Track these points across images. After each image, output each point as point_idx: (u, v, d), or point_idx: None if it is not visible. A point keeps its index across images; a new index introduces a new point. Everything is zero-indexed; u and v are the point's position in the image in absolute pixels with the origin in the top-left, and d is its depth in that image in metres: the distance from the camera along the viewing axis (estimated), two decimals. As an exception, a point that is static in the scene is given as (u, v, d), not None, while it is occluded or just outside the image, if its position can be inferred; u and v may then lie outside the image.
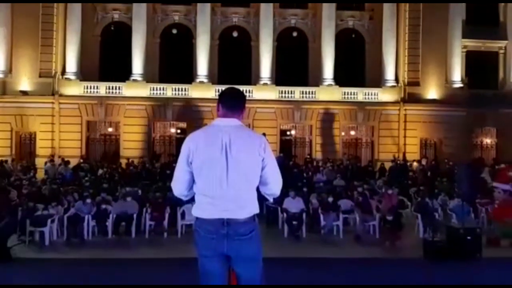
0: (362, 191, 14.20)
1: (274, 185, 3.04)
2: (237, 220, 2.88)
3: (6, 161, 19.35)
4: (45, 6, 21.72)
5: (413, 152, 22.98)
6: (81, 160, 20.08)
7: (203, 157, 2.88)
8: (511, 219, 10.36)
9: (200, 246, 2.97)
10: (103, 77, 22.95)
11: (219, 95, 3.12)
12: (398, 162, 21.01)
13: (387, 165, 20.12)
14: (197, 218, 2.99)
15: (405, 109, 23.23)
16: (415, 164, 20.91)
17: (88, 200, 11.95)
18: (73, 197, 13.04)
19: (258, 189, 3.05)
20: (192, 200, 3.09)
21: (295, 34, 24.54)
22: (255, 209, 2.98)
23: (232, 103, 3.03)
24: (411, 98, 23.20)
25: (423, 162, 21.24)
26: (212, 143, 2.88)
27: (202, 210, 2.94)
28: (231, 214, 2.87)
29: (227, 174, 2.85)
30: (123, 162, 20.01)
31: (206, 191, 2.90)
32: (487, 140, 24.57)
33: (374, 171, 20.27)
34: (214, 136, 2.91)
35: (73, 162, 19.30)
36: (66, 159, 19.49)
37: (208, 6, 23.22)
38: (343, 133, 23.59)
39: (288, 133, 23.66)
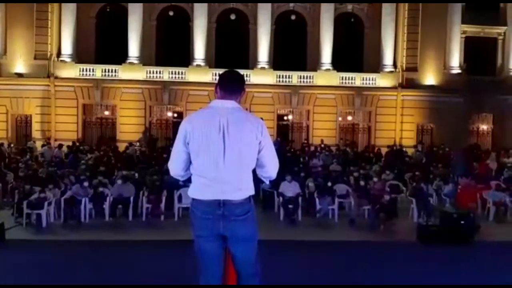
0: (358, 176, 14.33)
1: (271, 168, 3.05)
2: (233, 201, 2.90)
3: (2, 144, 19.26)
4: (39, -13, 21.34)
5: (409, 138, 23.08)
6: (77, 144, 20.01)
7: (200, 138, 2.87)
8: (474, 203, 10.57)
9: (196, 226, 2.99)
10: (99, 60, 22.72)
11: (219, 78, 3.10)
12: (395, 147, 21.12)
13: (384, 151, 20.21)
14: (193, 199, 3.00)
15: (403, 95, 23.21)
16: (411, 150, 21.03)
17: (85, 183, 11.96)
18: (70, 180, 13.06)
19: (254, 172, 3.06)
20: (188, 181, 3.09)
21: (293, 17, 24.27)
22: (251, 191, 2.99)
23: (232, 86, 3.02)
24: (409, 83, 23.15)
25: (419, 148, 21.37)
26: (209, 124, 2.88)
27: (198, 191, 2.95)
28: (227, 195, 2.88)
29: (224, 155, 2.85)
30: (121, 146, 19.96)
31: (202, 172, 2.91)
32: (484, 127, 24.65)
33: (370, 156, 20.33)
34: (212, 117, 2.90)
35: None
36: (62, 142, 19.44)
37: (205, -12, 22.86)
38: (340, 118, 23.59)
39: (285, 118, 23.64)
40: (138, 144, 20.69)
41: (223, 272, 3.09)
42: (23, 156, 17.61)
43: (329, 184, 12.93)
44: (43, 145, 19.46)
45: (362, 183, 12.74)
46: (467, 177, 12.16)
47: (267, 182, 3.22)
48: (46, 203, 10.85)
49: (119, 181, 12.26)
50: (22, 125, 22.17)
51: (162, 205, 11.86)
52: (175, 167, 3.04)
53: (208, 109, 2.99)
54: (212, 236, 2.95)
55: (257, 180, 3.11)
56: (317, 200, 12.11)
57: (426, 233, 9.44)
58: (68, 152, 18.35)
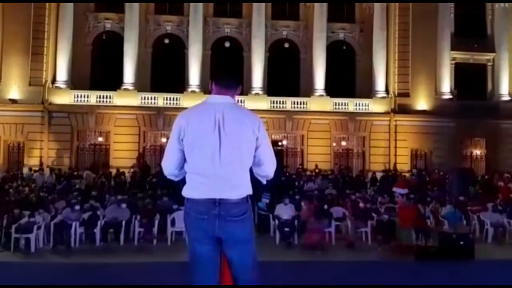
0: (354, 199, 14.19)
1: (268, 166, 2.95)
2: (229, 200, 2.78)
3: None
4: (36, 14, 21.68)
5: (403, 163, 23.11)
6: (69, 171, 19.76)
7: (195, 134, 2.78)
8: (415, 223, 10.47)
9: (190, 228, 2.86)
10: (94, 86, 22.85)
11: (214, 73, 3.07)
12: (390, 173, 21.12)
13: (379, 176, 20.17)
14: (187, 200, 2.87)
15: (396, 120, 23.43)
16: (406, 175, 21.02)
17: (77, 207, 11.70)
18: (61, 205, 12.77)
19: (251, 172, 2.97)
20: (183, 182, 2.97)
21: (286, 45, 24.80)
22: (248, 190, 2.87)
23: (227, 81, 2.96)
24: (401, 109, 23.43)
25: (414, 172, 21.38)
26: (204, 119, 2.79)
27: (193, 190, 2.83)
28: (223, 194, 2.77)
29: (219, 151, 2.75)
30: (113, 172, 19.75)
31: (197, 169, 2.80)
32: (477, 151, 24.81)
33: (365, 181, 20.28)
34: (207, 112, 2.82)
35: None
36: (54, 168, 19.22)
37: (200, 16, 23.40)
38: (334, 144, 23.65)
39: (279, 143, 23.65)
40: (131, 170, 20.47)
41: (219, 279, 2.93)
42: (13, 182, 17.32)
43: (325, 207, 12.77)
44: (35, 171, 19.18)
45: (361, 205, 12.60)
46: (464, 197, 12.06)
47: (264, 182, 3.09)
48: (35, 227, 10.54)
49: (114, 204, 12.01)
50: (14, 151, 21.92)
51: (155, 229, 11.58)
52: (169, 166, 2.92)
53: (204, 104, 2.92)
54: (207, 238, 2.81)
55: (254, 182, 3.01)
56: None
57: (425, 254, 9.26)
58: (60, 177, 18.09)
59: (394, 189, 11.45)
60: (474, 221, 12.77)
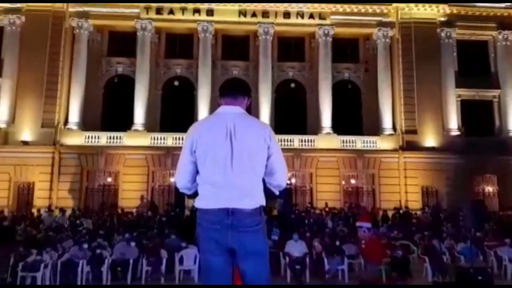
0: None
1: (280, 175, 2.94)
2: (242, 210, 2.75)
3: (2, 211, 18.97)
4: (51, 59, 22.55)
5: (414, 200, 22.72)
6: (78, 212, 19.69)
7: (207, 144, 2.80)
8: (386, 258, 10.11)
9: (202, 240, 2.81)
10: (105, 127, 23.29)
11: (219, 89, 3.14)
12: (401, 210, 20.74)
13: (390, 214, 19.81)
14: (199, 210, 2.85)
15: (404, 157, 23.30)
16: (418, 213, 20.65)
17: (84, 245, 11.58)
18: (68, 244, 12.65)
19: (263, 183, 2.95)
20: (196, 196, 2.96)
21: (293, 85, 25.30)
22: (261, 201, 2.85)
23: (231, 91, 2.99)
24: (410, 146, 23.37)
25: (427, 210, 21.01)
26: (215, 129, 2.82)
27: (205, 200, 2.82)
28: (236, 203, 2.75)
29: (231, 160, 2.76)
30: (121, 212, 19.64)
31: (209, 179, 2.80)
32: (489, 188, 24.35)
33: (377, 219, 19.87)
34: (218, 122, 2.86)
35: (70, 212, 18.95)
36: (63, 208, 19.17)
37: (209, 59, 24.15)
38: (343, 182, 23.44)
39: (288, 181, 23.47)
40: (139, 209, 20.35)
41: (231, 293, 2.85)
42: (22, 223, 17.26)
43: (337, 243, 12.48)
44: (44, 212, 19.15)
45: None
46: (480, 230, 11.73)
47: (277, 193, 3.05)
48: (42, 266, 10.41)
49: (122, 242, 11.88)
50: (24, 193, 22.00)
51: (163, 267, 11.37)
52: (181, 179, 2.92)
53: (215, 115, 2.96)
54: (219, 249, 2.75)
55: (266, 194, 2.96)
56: (325, 260, 11.61)
57: (443, 290, 8.90)
58: (69, 218, 18.03)
59: (358, 223, 11.10)
60: (491, 257, 12.36)
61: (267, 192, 2.95)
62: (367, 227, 10.95)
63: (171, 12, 24.13)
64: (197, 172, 2.88)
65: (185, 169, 2.89)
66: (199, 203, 2.86)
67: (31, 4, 23.02)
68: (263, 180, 2.92)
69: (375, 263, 9.94)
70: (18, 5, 23.09)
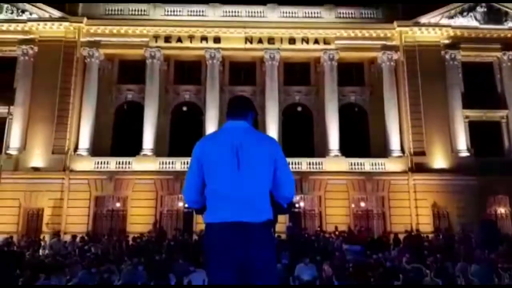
0: (377, 259, 13.62)
1: (288, 187, 2.95)
2: (252, 224, 2.75)
3: (11, 237, 19.01)
4: (63, 87, 23.12)
5: (426, 223, 22.33)
6: (86, 237, 19.66)
7: (214, 157, 2.84)
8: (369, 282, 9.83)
9: (210, 254, 2.80)
10: (114, 152, 23.53)
11: (226, 106, 3.21)
12: (413, 233, 20.36)
13: (401, 237, 19.47)
14: (208, 225, 2.85)
15: (414, 179, 23.08)
16: (430, 235, 20.27)
17: (93, 270, 11.53)
18: (77, 268, 12.59)
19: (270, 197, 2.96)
20: (204, 210, 2.98)
21: (299, 109, 25.51)
22: (269, 214, 2.85)
23: (234, 108, 3.06)
24: (419, 167, 23.18)
25: (439, 232, 20.62)
26: (222, 144, 2.87)
27: (213, 214, 2.83)
28: (243, 216, 2.75)
29: (238, 174, 2.79)
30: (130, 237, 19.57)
31: (217, 193, 2.82)
32: (501, 209, 23.91)
33: (388, 242, 19.55)
34: (224, 137, 2.91)
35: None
36: (71, 234, 19.16)
37: (217, 85, 24.56)
38: (353, 205, 23.20)
39: (296, 205, 23.33)
40: (147, 234, 20.25)
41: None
42: (30, 249, 17.27)
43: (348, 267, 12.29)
44: (52, 238, 19.17)
45: (388, 263, 12.08)
46: (493, 250, 11.48)
47: (285, 206, 3.04)
48: (50, 290, 10.34)
49: (130, 267, 11.81)
50: (34, 219, 22.09)
51: (171, 292, 11.21)
52: (188, 192, 2.95)
53: (221, 130, 3.03)
54: (227, 264, 2.73)
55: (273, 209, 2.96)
56: (335, 283, 11.38)
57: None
58: (78, 243, 18.01)
59: (346, 246, 10.79)
60: (506, 279, 12.03)
61: (275, 206, 2.96)
62: (355, 250, 10.68)
63: (179, 40, 24.77)
64: (204, 186, 2.91)
65: (193, 183, 2.93)
66: (207, 217, 2.87)
67: (44, 35, 23.82)
68: (271, 195, 2.92)
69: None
70: (32, 36, 23.90)
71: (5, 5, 24.20)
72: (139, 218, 22.05)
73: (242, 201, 2.78)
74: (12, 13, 24.20)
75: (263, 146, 2.90)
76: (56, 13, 24.12)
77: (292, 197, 3.02)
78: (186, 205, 22.79)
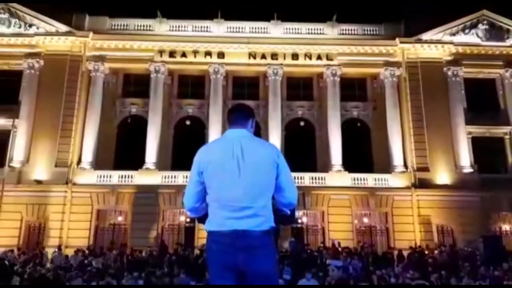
0: (381, 275, 13.46)
1: (290, 192, 2.93)
2: (252, 232, 2.74)
3: (12, 251, 18.89)
4: (67, 100, 23.33)
5: (429, 240, 22.09)
6: (87, 251, 19.52)
7: (214, 166, 2.83)
8: None
9: (211, 262, 2.79)
10: (117, 166, 23.57)
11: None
12: (417, 249, 20.13)
13: (405, 253, 19.24)
14: (209, 233, 2.84)
15: (417, 195, 22.94)
16: (434, 252, 20.03)
17: (93, 283, 11.44)
18: (77, 283, 12.50)
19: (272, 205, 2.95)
20: (205, 218, 2.97)
21: (302, 123, 25.58)
22: (271, 222, 2.83)
23: (234, 116, 3.05)
24: (422, 183, 23.06)
25: (443, 249, 20.35)
26: (223, 151, 2.86)
27: (214, 222, 2.82)
28: (245, 224, 2.74)
29: (239, 182, 2.78)
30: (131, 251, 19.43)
31: (218, 200, 2.82)
32: (506, 226, 23.66)
33: (392, 258, 19.31)
34: (225, 144, 2.91)
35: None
36: (73, 248, 19.06)
37: (220, 99, 24.72)
38: (356, 221, 23.01)
39: (299, 220, 23.17)
40: (148, 249, 20.11)
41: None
42: (31, 262, 17.14)
43: (351, 282, 12.14)
44: (54, 251, 19.04)
45: (392, 280, 11.93)
46: (497, 266, 11.32)
47: (288, 212, 3.02)
48: (50, 304, 10.24)
49: (131, 281, 11.70)
50: (35, 232, 22.00)
51: (173, 307, 11.09)
52: (188, 199, 2.94)
53: (222, 138, 3.03)
54: (228, 272, 2.72)
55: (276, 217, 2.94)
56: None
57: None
58: (80, 257, 17.88)
59: (329, 261, 10.59)
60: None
61: (278, 214, 2.96)
62: (336, 265, 10.45)
63: (183, 55, 25.05)
64: (205, 194, 2.91)
65: (193, 190, 2.93)
66: (208, 225, 2.86)
67: (50, 48, 24.15)
68: (273, 203, 2.91)
69: None
70: (38, 49, 24.23)
71: (13, 20, 24.60)
72: (141, 232, 21.92)
73: (242, 208, 2.77)
74: (20, 27, 24.59)
75: (264, 152, 2.89)
76: (63, 28, 24.50)
77: (295, 202, 3.00)
78: (188, 219, 22.70)
